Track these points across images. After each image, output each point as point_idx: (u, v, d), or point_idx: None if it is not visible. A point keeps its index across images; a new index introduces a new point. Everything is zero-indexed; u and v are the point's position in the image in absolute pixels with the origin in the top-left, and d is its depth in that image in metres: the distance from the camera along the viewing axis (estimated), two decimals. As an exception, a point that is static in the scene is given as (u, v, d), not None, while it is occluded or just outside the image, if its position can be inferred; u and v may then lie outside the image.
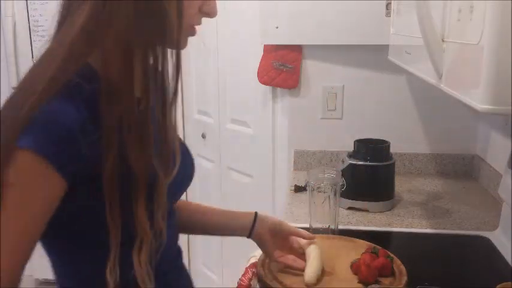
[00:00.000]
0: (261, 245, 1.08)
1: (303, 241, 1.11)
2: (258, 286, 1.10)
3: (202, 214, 1.08)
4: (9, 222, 0.68)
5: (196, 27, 0.82)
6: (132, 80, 0.73)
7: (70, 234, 0.78)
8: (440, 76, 0.92)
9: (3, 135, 0.68)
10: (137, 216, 0.74)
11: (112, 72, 0.73)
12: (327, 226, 1.30)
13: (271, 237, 1.07)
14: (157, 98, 0.78)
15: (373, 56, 1.81)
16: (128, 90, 0.73)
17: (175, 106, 0.80)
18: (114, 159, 0.71)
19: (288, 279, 1.05)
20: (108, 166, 0.71)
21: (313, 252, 1.08)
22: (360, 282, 1.04)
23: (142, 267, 0.75)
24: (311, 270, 1.04)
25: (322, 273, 1.07)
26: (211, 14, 0.82)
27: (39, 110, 0.68)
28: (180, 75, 0.78)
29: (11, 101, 0.72)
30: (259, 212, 1.08)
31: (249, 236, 1.07)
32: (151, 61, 0.75)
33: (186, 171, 0.89)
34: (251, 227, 1.06)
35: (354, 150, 1.57)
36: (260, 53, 1.92)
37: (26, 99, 0.68)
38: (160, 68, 0.76)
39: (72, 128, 0.69)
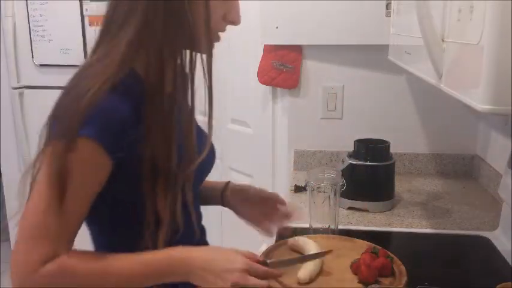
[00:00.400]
0: (238, 213, 1.13)
1: (303, 243, 1.12)
2: (258, 286, 1.10)
3: None
4: (69, 200, 0.77)
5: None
6: (163, 81, 0.81)
7: (108, 217, 0.88)
8: (440, 76, 0.92)
9: (65, 126, 0.76)
10: (157, 202, 0.83)
11: (149, 74, 0.81)
12: (327, 226, 1.30)
13: (247, 204, 1.11)
14: (187, 98, 0.87)
15: (373, 56, 1.81)
16: (160, 90, 0.81)
17: (212, 107, 0.93)
18: (152, 152, 0.80)
19: (288, 279, 1.04)
20: (146, 159, 0.80)
21: (312, 251, 1.08)
22: (360, 282, 1.04)
23: (160, 246, 0.84)
24: (307, 269, 1.04)
25: (322, 273, 1.07)
26: (235, 22, 0.91)
27: (98, 104, 0.76)
28: (211, 77, 0.90)
29: (67, 96, 0.80)
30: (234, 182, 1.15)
31: (222, 204, 1.13)
32: (180, 64, 0.84)
33: (209, 158, 0.99)
34: (221, 195, 1.12)
35: (354, 150, 1.57)
36: (260, 53, 1.92)
37: (83, 95, 0.75)
38: (188, 71, 0.85)
39: (125, 123, 0.78)
